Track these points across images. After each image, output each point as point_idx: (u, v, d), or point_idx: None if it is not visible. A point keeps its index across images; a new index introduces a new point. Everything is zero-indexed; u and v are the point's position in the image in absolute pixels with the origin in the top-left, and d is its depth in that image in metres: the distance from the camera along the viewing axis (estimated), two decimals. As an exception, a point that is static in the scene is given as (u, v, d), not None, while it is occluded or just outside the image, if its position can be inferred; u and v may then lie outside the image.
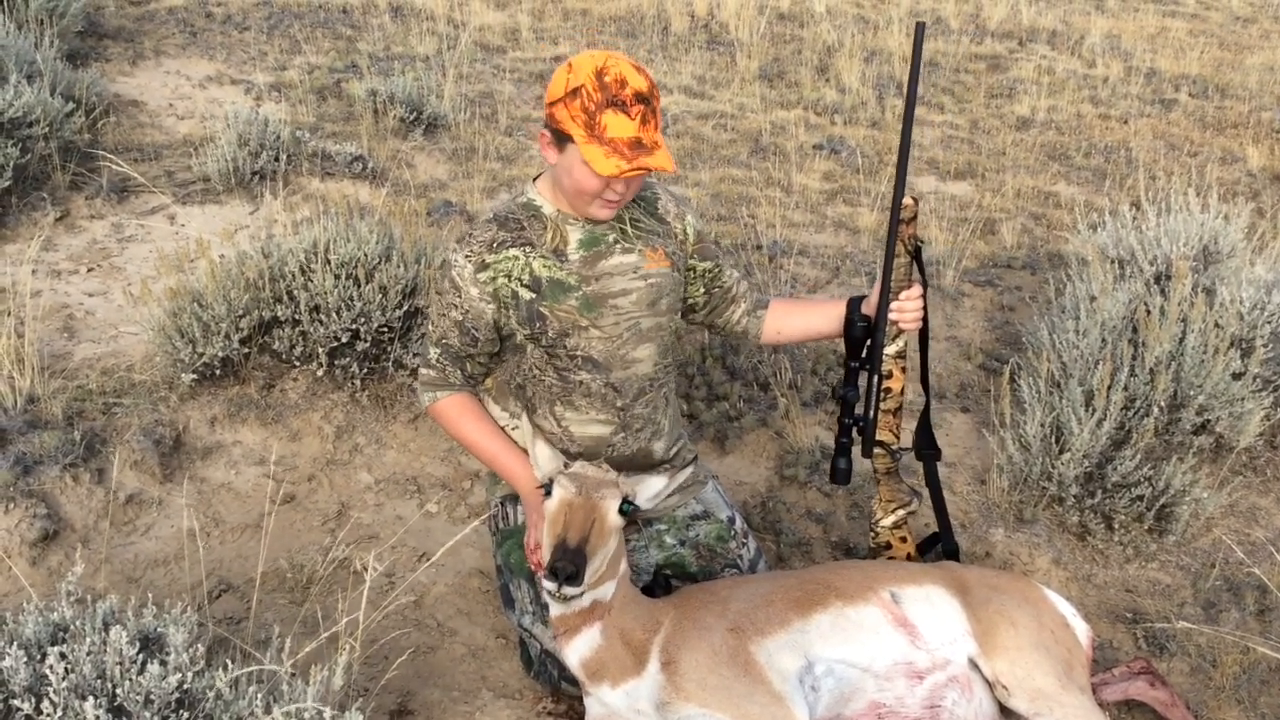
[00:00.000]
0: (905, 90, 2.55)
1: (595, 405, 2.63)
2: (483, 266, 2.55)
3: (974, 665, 2.46)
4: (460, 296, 2.58)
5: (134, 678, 1.95)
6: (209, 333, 3.58)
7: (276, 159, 5.27)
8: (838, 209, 5.91)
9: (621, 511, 2.27)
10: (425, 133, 6.20)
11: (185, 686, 1.99)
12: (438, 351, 2.65)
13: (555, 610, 2.35)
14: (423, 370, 2.69)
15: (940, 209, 5.89)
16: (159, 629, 2.13)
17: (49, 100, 4.98)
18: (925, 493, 2.88)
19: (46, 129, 4.91)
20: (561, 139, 2.39)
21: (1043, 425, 3.43)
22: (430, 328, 2.67)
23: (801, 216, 5.75)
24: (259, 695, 2.01)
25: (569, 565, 2.13)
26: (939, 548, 2.90)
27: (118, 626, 2.00)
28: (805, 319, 2.84)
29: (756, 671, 2.33)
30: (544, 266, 2.56)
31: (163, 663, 2.01)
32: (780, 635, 2.42)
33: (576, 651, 2.35)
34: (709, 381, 3.97)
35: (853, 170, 6.37)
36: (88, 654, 1.98)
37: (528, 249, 2.56)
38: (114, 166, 4.93)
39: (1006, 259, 5.38)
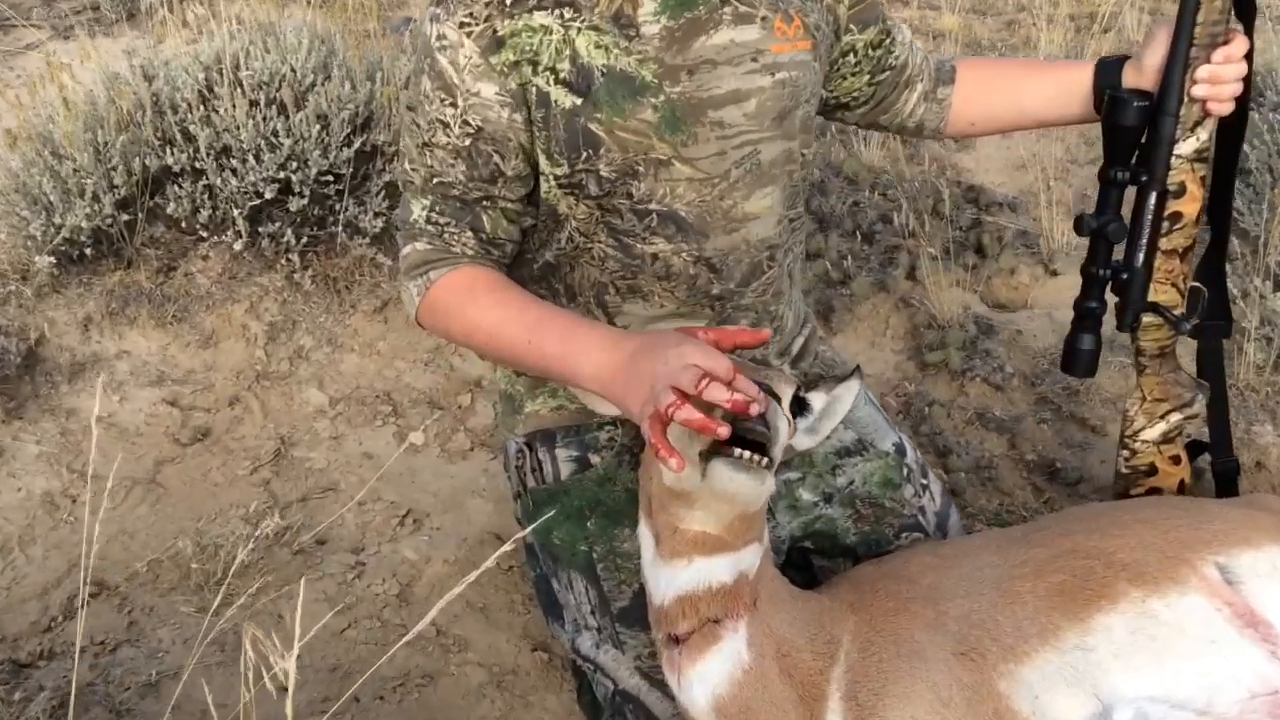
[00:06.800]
0: None
1: (678, 293, 1.60)
2: (496, 44, 1.46)
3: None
4: (459, 99, 1.48)
5: None
6: (69, 194, 2.65)
7: (182, -29, 4.15)
8: (910, 11, 4.92)
9: (793, 411, 1.42)
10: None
11: None
12: (427, 204, 1.53)
13: (672, 591, 1.38)
14: (405, 248, 1.55)
15: None
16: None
17: None
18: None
19: None
20: None
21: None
22: (407, 171, 1.55)
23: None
24: None
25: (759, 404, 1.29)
26: (1203, 460, 1.88)
27: None
28: (1017, 95, 1.81)
29: (1016, 731, 1.41)
30: (597, 48, 1.48)
31: None
32: (1046, 657, 1.45)
33: (707, 683, 1.39)
34: (795, 232, 2.90)
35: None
36: None
37: (567, 12, 1.47)
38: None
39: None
